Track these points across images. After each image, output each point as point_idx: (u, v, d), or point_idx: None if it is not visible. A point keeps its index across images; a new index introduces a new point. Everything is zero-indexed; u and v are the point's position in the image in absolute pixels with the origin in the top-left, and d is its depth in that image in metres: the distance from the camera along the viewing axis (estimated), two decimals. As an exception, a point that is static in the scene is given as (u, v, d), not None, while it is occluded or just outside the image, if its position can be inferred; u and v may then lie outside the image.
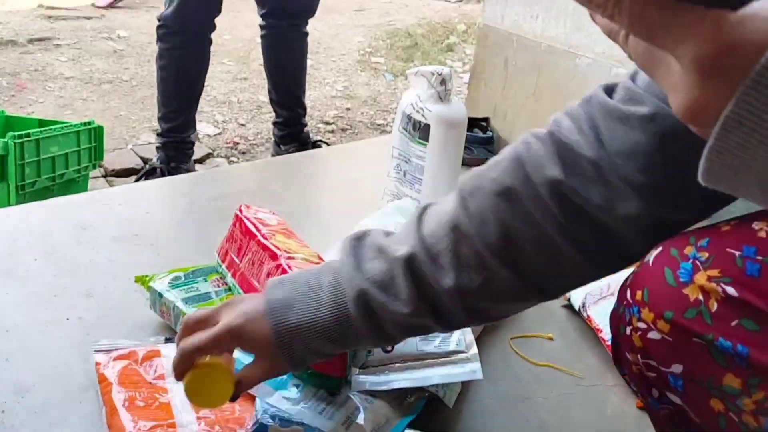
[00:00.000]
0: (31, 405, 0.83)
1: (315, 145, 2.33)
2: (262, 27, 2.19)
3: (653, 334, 0.53)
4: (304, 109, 2.35)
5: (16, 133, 1.79)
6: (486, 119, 1.74)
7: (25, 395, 0.85)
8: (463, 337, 0.93)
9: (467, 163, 1.62)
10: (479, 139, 1.69)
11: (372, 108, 3.23)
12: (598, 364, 1.04)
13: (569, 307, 1.15)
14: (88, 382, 0.87)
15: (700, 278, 0.50)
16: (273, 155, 2.35)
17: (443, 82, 1.19)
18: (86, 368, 0.88)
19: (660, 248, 0.54)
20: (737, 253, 0.49)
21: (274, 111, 2.34)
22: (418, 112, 1.21)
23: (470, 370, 0.90)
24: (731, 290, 0.49)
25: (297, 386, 0.84)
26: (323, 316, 0.64)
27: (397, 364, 0.89)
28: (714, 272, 0.50)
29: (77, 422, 0.82)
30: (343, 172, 1.60)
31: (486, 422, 0.91)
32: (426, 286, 0.62)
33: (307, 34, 2.22)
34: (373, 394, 0.87)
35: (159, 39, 1.97)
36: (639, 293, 0.54)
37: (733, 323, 0.49)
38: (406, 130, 1.25)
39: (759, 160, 0.29)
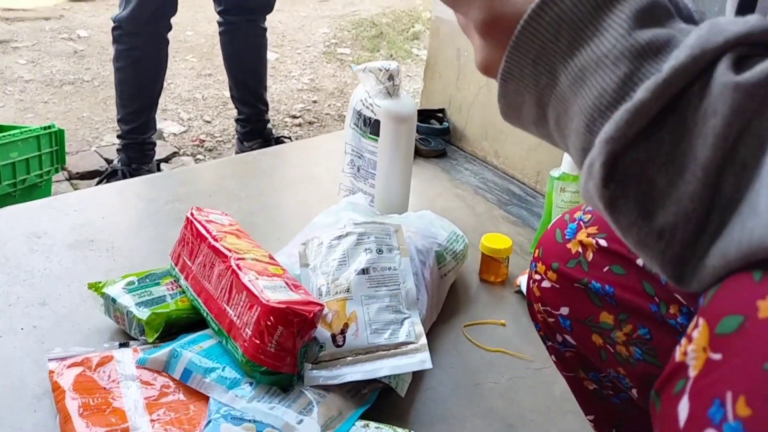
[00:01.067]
0: (-14, 416, 0.84)
1: (278, 140, 2.33)
2: (219, 24, 2.18)
3: (545, 283, 0.64)
4: (266, 104, 2.35)
5: (-27, 141, 1.77)
6: (442, 110, 1.76)
7: (-21, 406, 0.85)
8: (412, 329, 0.95)
9: (423, 155, 1.64)
10: (435, 130, 1.71)
11: (339, 100, 3.23)
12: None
13: (520, 293, 1.18)
14: (42, 390, 0.88)
15: (581, 235, 0.61)
16: (237, 152, 2.35)
17: (391, 77, 1.21)
18: (41, 377, 0.89)
19: (559, 216, 0.66)
20: None
21: (236, 108, 2.34)
22: (367, 108, 1.23)
23: (419, 360, 0.92)
24: (603, 242, 0.60)
25: (250, 384, 0.86)
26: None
27: (349, 358, 0.92)
28: (593, 229, 0.61)
29: (32, 430, 0.83)
30: (302, 168, 1.61)
31: (437, 410, 0.94)
32: None
33: (265, 29, 2.21)
34: (327, 388, 0.89)
35: (115, 40, 1.96)
36: (537, 251, 0.65)
37: (605, 269, 0.59)
38: (358, 126, 1.26)
39: (527, 103, 0.38)
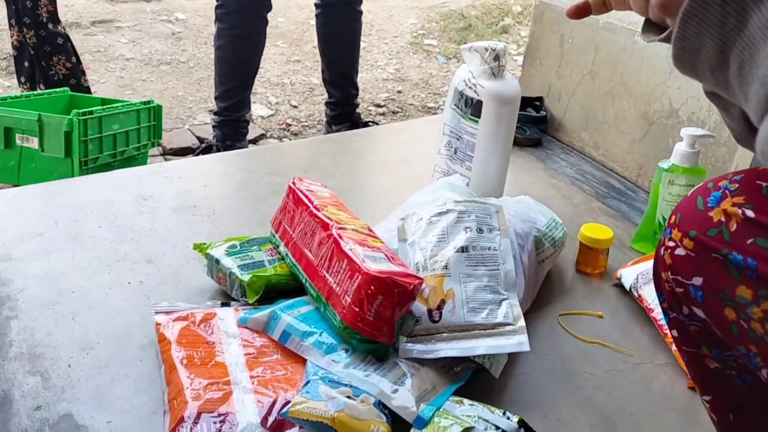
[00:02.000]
0: (95, 361, 0.88)
1: (366, 125, 2.34)
2: (316, 5, 2.21)
3: (679, 251, 0.60)
4: (357, 89, 2.37)
5: (80, 111, 1.86)
6: (540, 98, 1.72)
7: (90, 351, 0.89)
8: (510, 310, 0.94)
9: (519, 143, 1.61)
10: (532, 118, 1.67)
11: (423, 91, 3.22)
12: (648, 342, 1.03)
13: (619, 286, 1.14)
14: (147, 341, 0.91)
15: (726, 204, 0.57)
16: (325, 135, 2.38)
17: (497, 57, 1.19)
18: (146, 329, 0.93)
19: (702, 183, 0.61)
20: (764, 183, 0.55)
21: (327, 91, 2.37)
22: (470, 88, 1.21)
23: (517, 342, 0.90)
24: (750, 213, 0.56)
25: (346, 351, 0.87)
26: None
27: (444, 334, 0.91)
28: (739, 199, 0.57)
29: (138, 378, 0.86)
30: (394, 150, 1.61)
31: (531, 394, 0.91)
32: None
33: (361, 13, 2.23)
34: (420, 362, 0.88)
35: (217, 19, 2.02)
36: (674, 218, 0.62)
37: (749, 241, 0.55)
38: (458, 107, 1.25)
39: (707, 46, 0.36)
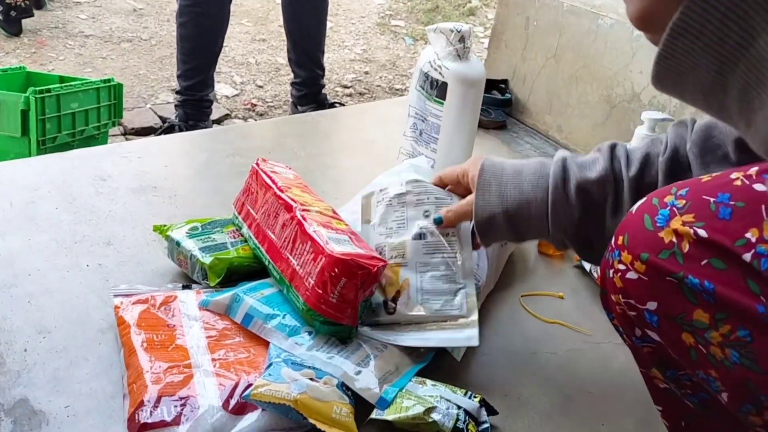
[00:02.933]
0: (53, 345, 0.86)
1: (332, 106, 2.32)
2: None
3: (631, 275, 0.57)
4: (323, 69, 2.34)
5: (38, 89, 1.81)
6: (505, 81, 1.72)
7: (46, 335, 0.87)
8: (464, 301, 0.93)
9: (484, 126, 1.61)
10: (497, 101, 1.68)
11: (390, 72, 3.21)
12: (607, 322, 1.04)
13: (580, 267, 1.15)
14: (106, 324, 0.90)
15: (676, 223, 0.54)
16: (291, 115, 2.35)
17: (462, 39, 1.18)
18: (106, 312, 0.91)
19: (644, 199, 0.58)
20: (712, 199, 0.52)
21: (293, 71, 2.34)
22: (435, 69, 1.21)
23: (466, 336, 0.90)
24: (702, 233, 0.52)
25: (309, 333, 0.86)
26: (524, 164, 0.83)
27: (400, 325, 0.91)
28: (689, 217, 0.53)
29: (96, 362, 0.84)
30: (360, 131, 1.60)
31: (493, 374, 0.93)
32: (617, 170, 0.78)
33: None
34: (384, 343, 0.89)
35: None
36: (621, 238, 0.58)
37: (703, 262, 0.52)
38: (423, 89, 1.24)
39: (701, 67, 0.32)
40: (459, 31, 1.18)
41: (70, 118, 1.92)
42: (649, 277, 0.56)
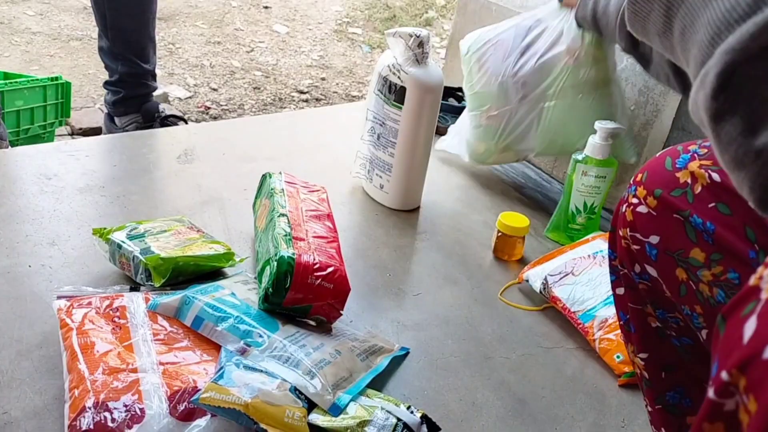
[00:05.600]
0: (-10, 348, 0.82)
1: (165, 122, 1.88)
2: None
3: (641, 208, 0.61)
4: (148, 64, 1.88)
5: (-21, 84, 1.73)
6: (461, 89, 1.73)
7: (-17, 339, 0.83)
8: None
9: (441, 132, 1.62)
10: (454, 108, 1.69)
11: (347, 79, 3.20)
12: (558, 328, 1.06)
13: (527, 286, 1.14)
14: (49, 327, 0.86)
15: (693, 165, 0.58)
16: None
17: (421, 44, 1.18)
18: (48, 314, 0.87)
19: (671, 147, 0.62)
20: None
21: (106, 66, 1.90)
22: (394, 74, 1.21)
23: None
24: (716, 176, 0.56)
25: (261, 336, 0.84)
26: None
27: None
28: (707, 162, 0.57)
29: (37, 366, 0.80)
30: (316, 135, 1.59)
31: (448, 379, 0.92)
32: None
33: None
34: (338, 349, 0.87)
35: None
36: (640, 176, 0.62)
37: (710, 205, 0.56)
38: (382, 93, 1.24)
39: (654, 11, 0.38)
40: (418, 36, 1.18)
41: (15, 115, 1.85)
42: (658, 212, 0.60)
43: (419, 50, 1.18)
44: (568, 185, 1.23)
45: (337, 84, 3.13)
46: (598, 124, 1.19)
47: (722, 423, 0.29)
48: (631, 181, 0.63)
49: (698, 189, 0.57)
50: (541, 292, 1.08)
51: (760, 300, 0.29)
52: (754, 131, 0.32)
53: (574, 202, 1.23)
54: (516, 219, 1.19)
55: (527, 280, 1.12)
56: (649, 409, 0.73)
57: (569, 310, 1.04)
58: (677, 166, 0.59)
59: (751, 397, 0.27)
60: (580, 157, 1.21)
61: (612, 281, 0.70)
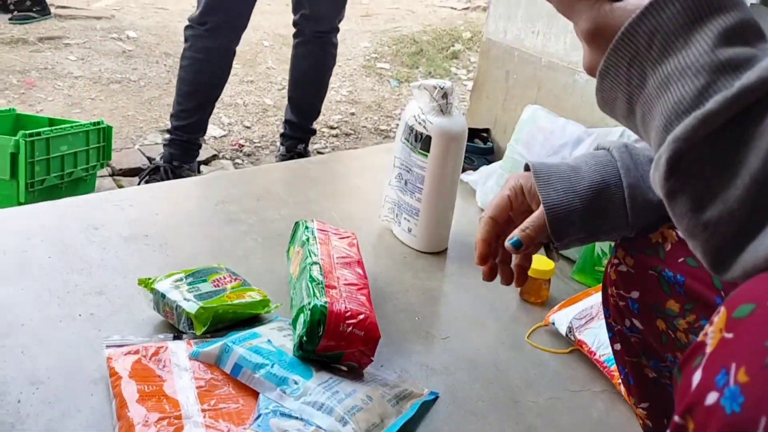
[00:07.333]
0: (45, 396, 0.87)
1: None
2: (294, 36, 2.22)
3: (622, 267, 0.68)
4: (313, 131, 2.38)
5: (28, 132, 1.83)
6: (487, 130, 1.78)
7: (39, 386, 0.89)
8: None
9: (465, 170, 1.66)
10: (480, 149, 1.73)
11: (376, 113, 3.28)
12: (586, 371, 1.08)
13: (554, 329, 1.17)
14: (98, 375, 0.91)
15: (664, 228, 0.65)
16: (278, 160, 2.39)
17: (445, 95, 1.24)
18: (98, 362, 0.93)
19: None
20: None
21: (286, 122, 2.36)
22: (420, 124, 1.26)
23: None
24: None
25: (296, 383, 0.89)
26: (575, 158, 0.74)
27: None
28: None
29: (88, 413, 0.86)
30: (347, 178, 1.64)
31: (477, 424, 0.95)
32: None
33: (335, 46, 2.24)
34: (370, 395, 0.91)
35: (185, 39, 2.01)
36: (619, 239, 0.70)
37: (680, 260, 0.63)
38: (408, 141, 1.29)
39: (619, 99, 0.44)
40: (442, 88, 1.23)
41: (59, 160, 1.94)
42: (636, 270, 0.67)
43: (443, 101, 1.24)
44: (592, 228, 1.26)
45: (366, 118, 3.20)
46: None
47: None
48: (614, 244, 0.70)
49: (668, 246, 0.64)
50: (567, 335, 1.11)
51: (704, 354, 0.34)
52: (700, 207, 0.38)
53: (599, 245, 1.26)
54: (542, 261, 1.22)
55: (553, 323, 1.15)
56: None
57: (595, 354, 1.06)
58: (650, 229, 0.66)
59: None
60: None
61: (610, 338, 0.75)
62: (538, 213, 0.72)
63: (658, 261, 0.64)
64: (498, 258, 0.77)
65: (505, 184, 0.76)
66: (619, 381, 1.02)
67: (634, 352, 0.72)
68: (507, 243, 0.72)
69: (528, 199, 0.73)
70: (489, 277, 0.77)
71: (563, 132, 1.42)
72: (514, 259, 0.77)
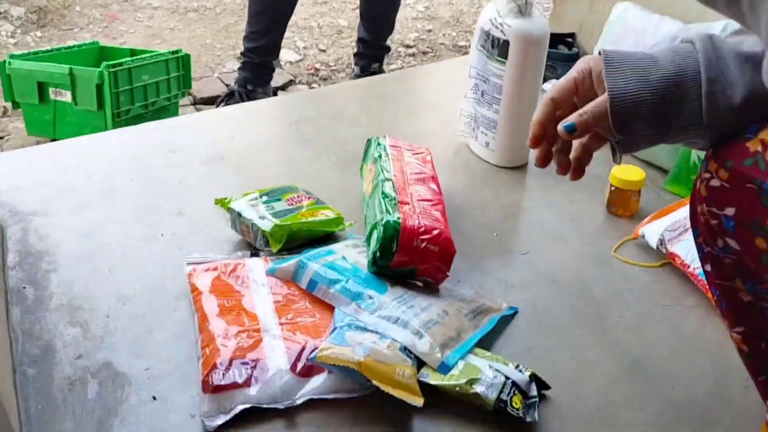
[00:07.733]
0: (132, 312, 0.91)
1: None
2: None
3: (714, 182, 0.60)
4: (387, 49, 2.33)
5: (110, 63, 1.88)
6: (572, 35, 1.66)
7: (126, 303, 0.93)
8: None
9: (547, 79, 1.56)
10: (564, 56, 1.62)
11: (454, 29, 3.15)
12: (678, 286, 1.02)
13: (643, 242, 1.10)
14: (181, 291, 0.94)
15: (764, 134, 0.57)
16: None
17: (524, -5, 1.15)
18: (180, 279, 0.95)
19: None
20: None
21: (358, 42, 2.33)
22: (496, 28, 1.18)
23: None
24: None
25: (371, 297, 0.88)
26: (652, 47, 0.66)
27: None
28: None
29: (172, 327, 0.89)
30: (422, 94, 1.59)
31: (558, 339, 0.92)
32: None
33: None
34: (446, 309, 0.90)
35: None
36: (711, 150, 0.62)
37: None
38: (485, 48, 1.21)
39: None
40: (521, -13, 1.14)
41: (142, 90, 1.99)
42: (730, 184, 0.59)
43: (522, 1, 1.15)
44: (688, 134, 1.16)
45: (444, 35, 3.08)
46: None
47: None
48: (704, 156, 0.62)
49: None
50: (658, 248, 1.04)
51: None
52: None
53: (696, 153, 1.16)
54: (631, 172, 1.14)
55: (643, 236, 1.08)
56: (753, 381, 0.70)
57: (689, 267, 1.00)
58: (746, 135, 0.58)
59: None
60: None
61: (700, 258, 0.68)
62: (601, 99, 0.65)
63: (758, 172, 0.57)
64: (556, 146, 0.71)
65: (574, 66, 0.69)
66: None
67: (726, 275, 0.66)
68: (560, 126, 0.67)
69: (595, 85, 0.67)
70: (541, 162, 0.72)
71: (656, 31, 1.30)
72: (574, 152, 0.71)
